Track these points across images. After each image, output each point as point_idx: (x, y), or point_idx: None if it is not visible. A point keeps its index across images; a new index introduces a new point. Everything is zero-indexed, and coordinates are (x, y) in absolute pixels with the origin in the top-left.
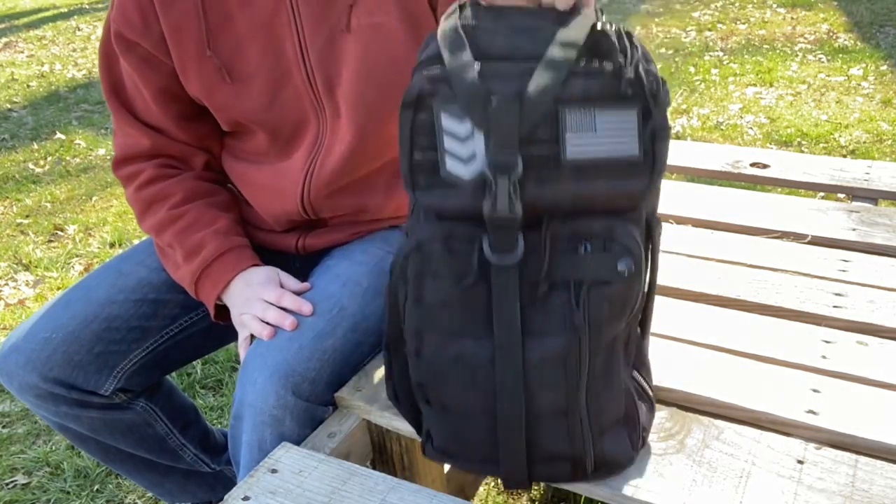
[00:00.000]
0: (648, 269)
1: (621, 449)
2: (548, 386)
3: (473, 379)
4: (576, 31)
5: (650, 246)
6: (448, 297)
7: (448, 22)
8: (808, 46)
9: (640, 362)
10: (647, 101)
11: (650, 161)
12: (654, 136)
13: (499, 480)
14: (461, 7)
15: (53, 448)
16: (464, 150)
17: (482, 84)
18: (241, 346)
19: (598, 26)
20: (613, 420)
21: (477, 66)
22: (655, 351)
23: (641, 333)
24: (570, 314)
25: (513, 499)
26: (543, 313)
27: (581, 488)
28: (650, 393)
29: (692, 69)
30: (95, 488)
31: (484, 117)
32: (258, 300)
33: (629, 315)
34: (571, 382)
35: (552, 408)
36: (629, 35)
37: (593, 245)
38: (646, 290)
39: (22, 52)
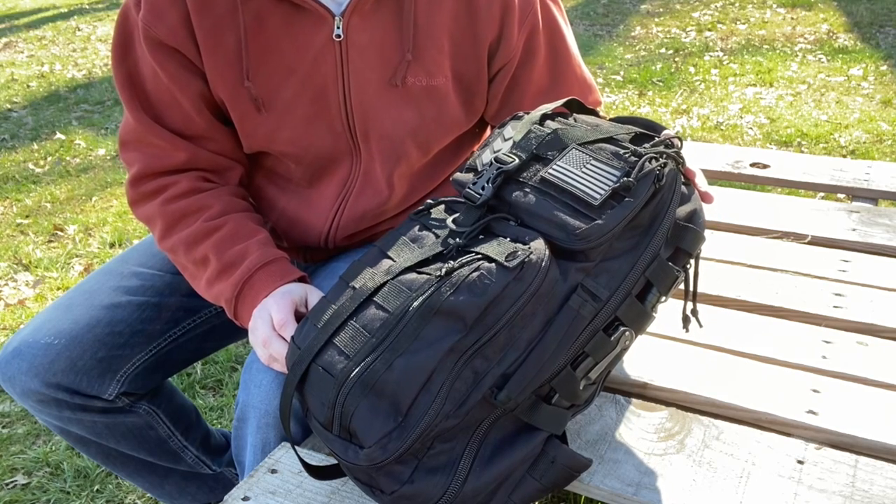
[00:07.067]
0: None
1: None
2: None
3: None
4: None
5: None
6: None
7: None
8: (808, 46)
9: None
10: (631, 170)
11: (603, 212)
12: (621, 194)
13: None
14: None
15: (53, 448)
16: (503, 146)
17: (541, 120)
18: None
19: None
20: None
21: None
22: (656, 351)
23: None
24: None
25: None
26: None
27: (581, 488)
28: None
29: (692, 69)
30: (95, 488)
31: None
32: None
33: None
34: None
35: None
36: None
37: (509, 235)
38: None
39: (22, 52)
